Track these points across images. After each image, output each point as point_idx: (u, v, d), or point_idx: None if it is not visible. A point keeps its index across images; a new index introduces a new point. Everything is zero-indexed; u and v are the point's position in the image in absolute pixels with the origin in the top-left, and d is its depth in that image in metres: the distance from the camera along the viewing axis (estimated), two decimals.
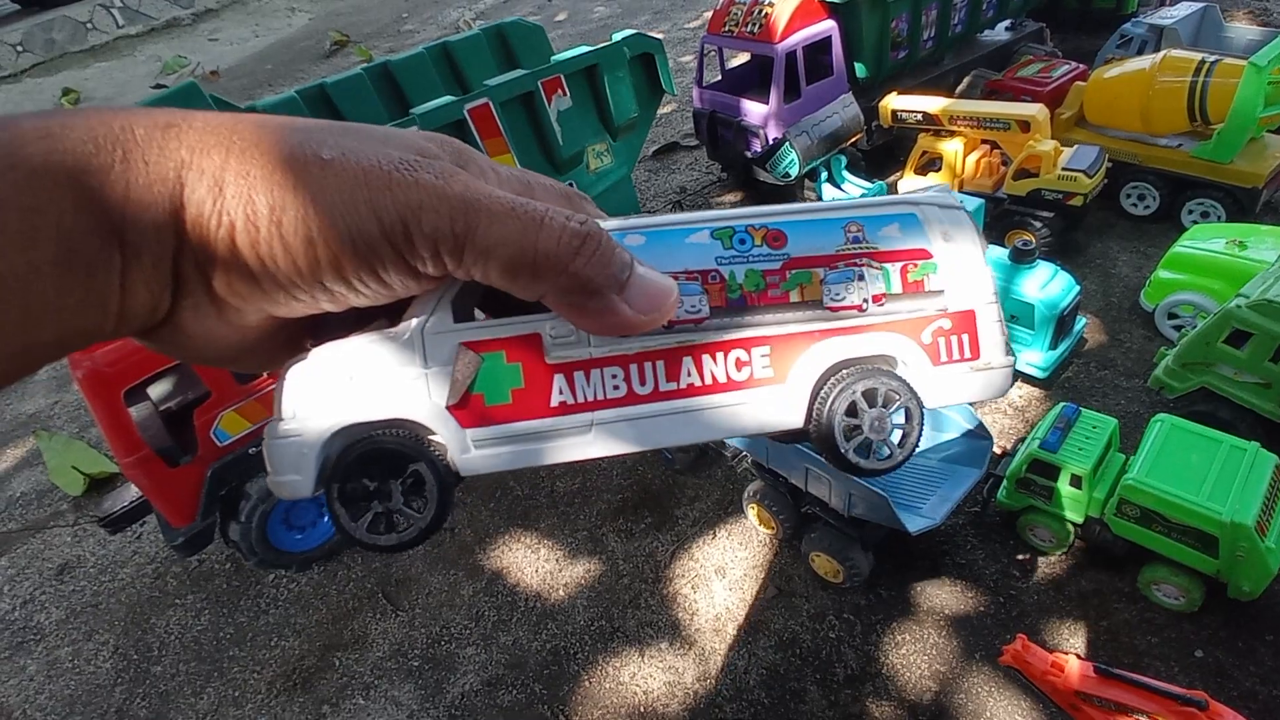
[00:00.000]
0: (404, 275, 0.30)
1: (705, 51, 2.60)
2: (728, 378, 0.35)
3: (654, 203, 2.95)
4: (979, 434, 1.44)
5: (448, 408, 0.34)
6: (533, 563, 1.72)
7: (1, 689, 1.71)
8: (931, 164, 2.37)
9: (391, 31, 5.53)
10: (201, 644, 1.72)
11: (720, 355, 0.35)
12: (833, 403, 0.36)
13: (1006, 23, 3.05)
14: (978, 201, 1.79)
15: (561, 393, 0.34)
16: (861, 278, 0.36)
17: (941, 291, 0.37)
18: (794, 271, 0.36)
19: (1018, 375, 1.85)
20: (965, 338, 0.38)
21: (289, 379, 0.34)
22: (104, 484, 2.20)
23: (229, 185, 0.27)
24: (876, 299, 0.36)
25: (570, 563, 1.71)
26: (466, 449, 0.34)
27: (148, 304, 0.28)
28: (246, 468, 1.63)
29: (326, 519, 1.78)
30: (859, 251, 0.36)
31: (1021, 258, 1.77)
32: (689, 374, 0.35)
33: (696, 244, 0.35)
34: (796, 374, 0.36)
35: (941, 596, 1.52)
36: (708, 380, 0.35)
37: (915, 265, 0.37)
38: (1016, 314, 1.81)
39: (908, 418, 0.37)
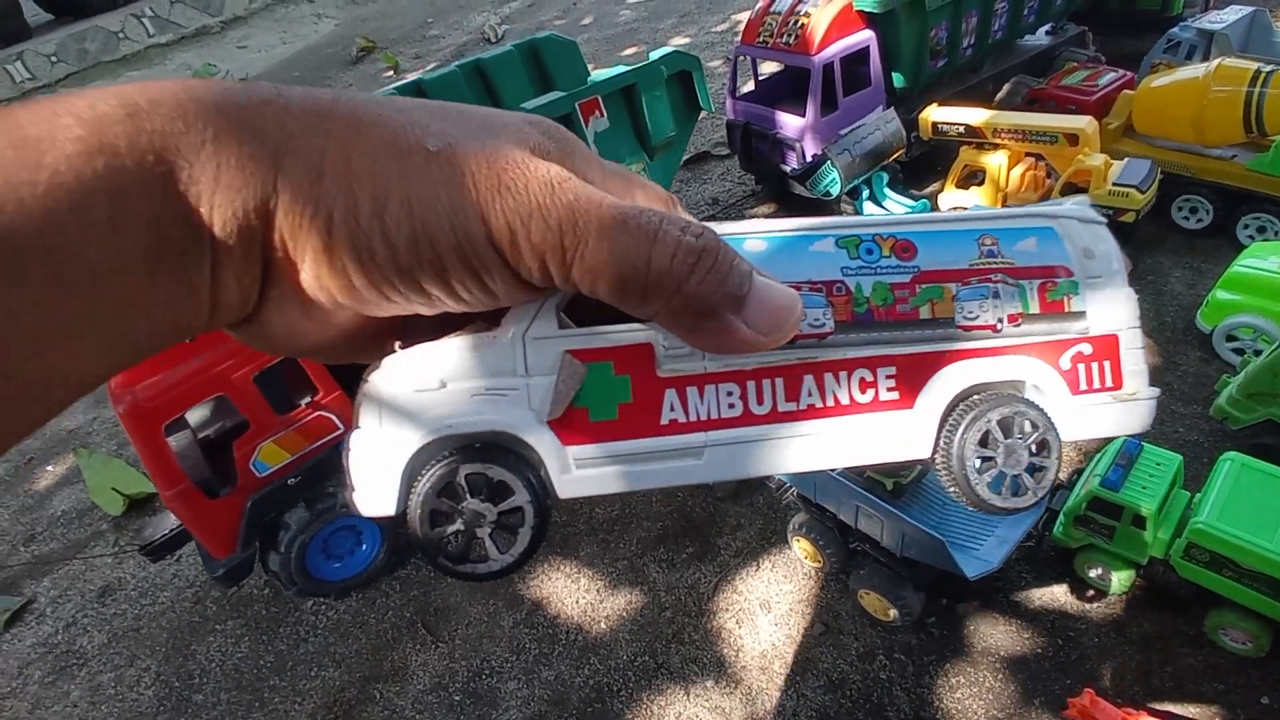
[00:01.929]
0: (509, 284, 0.27)
1: (738, 62, 2.56)
2: (851, 400, 0.33)
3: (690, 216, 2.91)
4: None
5: (549, 422, 0.31)
6: (573, 593, 1.70)
7: (47, 715, 1.73)
8: (973, 177, 2.31)
9: (417, 37, 5.53)
10: (242, 672, 1.71)
11: (844, 375, 0.32)
12: (964, 432, 0.33)
13: (1046, 27, 2.96)
14: None
15: (673, 409, 0.32)
16: (997, 295, 0.33)
17: (1083, 313, 0.34)
18: (925, 286, 0.33)
19: None
20: (1107, 365, 0.35)
21: (374, 385, 0.31)
22: (143, 504, 2.22)
23: (328, 172, 0.25)
24: (1012, 319, 0.33)
25: (611, 593, 1.68)
26: (567, 468, 0.31)
27: (238, 296, 0.26)
28: (285, 499, 1.62)
29: (365, 547, 1.77)
30: (994, 266, 0.34)
31: None
32: (810, 394, 0.32)
33: (821, 252, 0.33)
34: (925, 399, 0.33)
35: (996, 636, 1.47)
36: (829, 402, 0.32)
37: (1054, 284, 0.34)
38: None
39: (1046, 451, 0.34)
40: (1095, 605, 1.50)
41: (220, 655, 1.76)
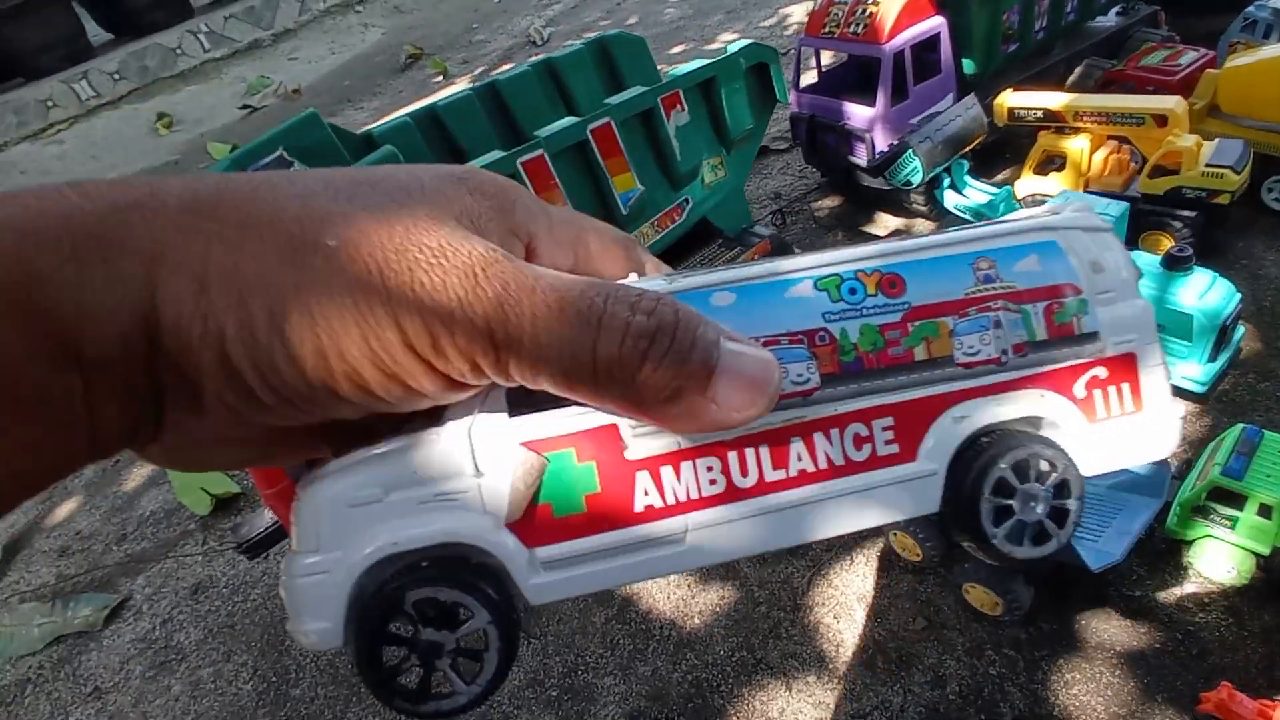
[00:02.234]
0: (440, 386, 0.25)
1: (803, 54, 2.54)
2: (846, 459, 0.29)
3: (751, 209, 2.89)
4: (1155, 460, 1.34)
5: (508, 525, 0.28)
6: (663, 588, 1.69)
7: (150, 708, 1.77)
8: (1050, 162, 2.25)
9: (463, 42, 5.59)
10: (338, 667, 1.74)
11: (835, 433, 0.29)
12: (975, 480, 0.30)
13: (1117, 8, 2.88)
14: (1122, 206, 1.68)
15: (647, 494, 0.28)
16: (998, 324, 0.30)
17: (1095, 334, 0.31)
18: (917, 324, 0.30)
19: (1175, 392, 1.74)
20: (1126, 387, 0.32)
21: (306, 502, 0.28)
22: (228, 504, 2.27)
23: (214, 283, 0.22)
24: (1018, 349, 0.30)
25: (703, 589, 1.67)
26: (535, 572, 0.28)
27: (123, 425, 0.23)
28: None
29: None
30: (993, 293, 0.30)
31: (1176, 265, 1.65)
32: (799, 459, 0.29)
33: (798, 298, 0.29)
34: (928, 448, 0.30)
35: (1111, 631, 1.43)
36: (822, 465, 0.29)
37: (1061, 305, 0.31)
38: (1169, 325, 1.69)
39: (1066, 492, 0.31)
40: (1212, 598, 1.45)
41: (314, 651, 1.79)
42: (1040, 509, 0.31)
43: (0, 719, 1.84)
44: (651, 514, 0.28)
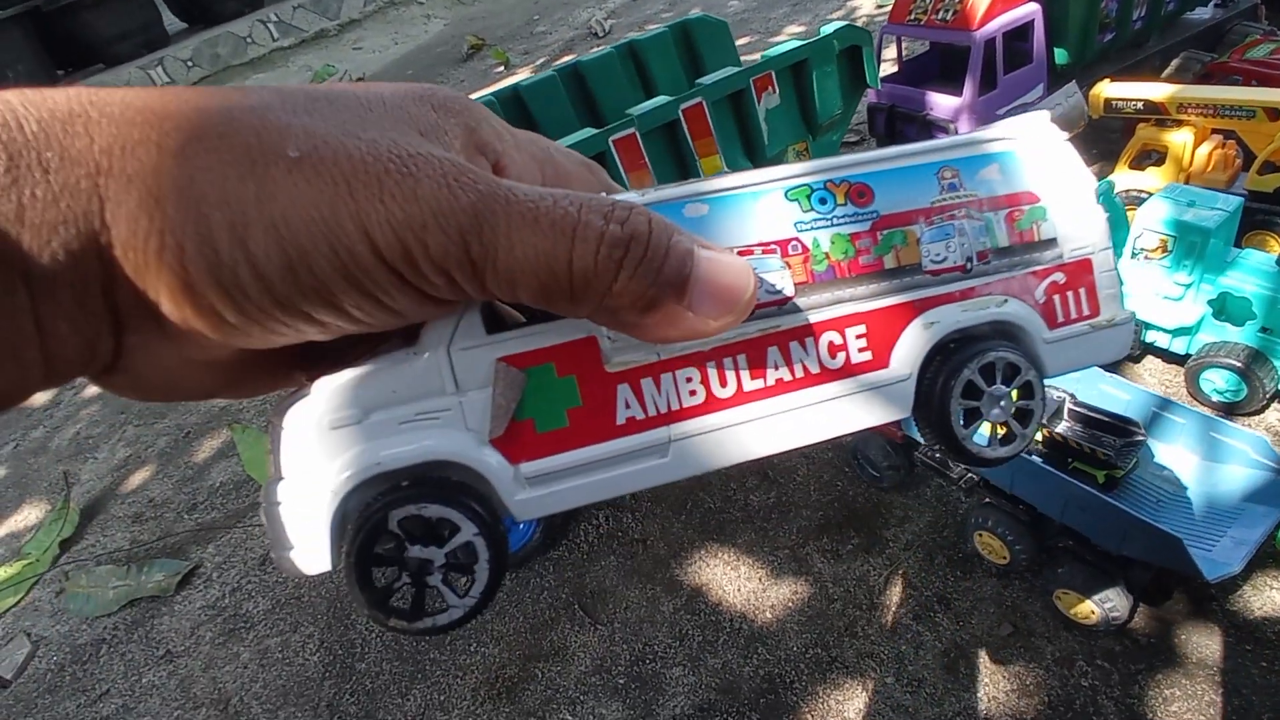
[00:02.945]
0: (413, 301, 0.24)
1: (885, 43, 2.47)
2: (821, 367, 0.30)
3: None
4: (1275, 467, 1.27)
5: (491, 440, 0.28)
6: (733, 580, 1.66)
7: (219, 674, 1.80)
8: (1148, 156, 2.15)
9: (524, 33, 5.62)
10: (401, 644, 1.74)
11: (810, 341, 0.30)
12: (945, 384, 0.31)
13: (1216, 0, 2.75)
14: (1237, 201, 1.59)
15: (629, 406, 0.29)
16: (963, 232, 0.31)
17: (1053, 240, 0.32)
18: (885, 232, 0.30)
19: (1277, 395, 1.64)
20: (1083, 292, 0.33)
21: (287, 426, 0.27)
22: None
23: (168, 196, 0.20)
24: (982, 256, 0.31)
25: (774, 583, 1.63)
26: (520, 488, 0.28)
27: (80, 350, 0.22)
28: None
29: (521, 526, 1.77)
30: (958, 201, 0.31)
31: None
32: (776, 367, 0.30)
33: (770, 208, 0.29)
34: (900, 354, 0.31)
35: (1212, 647, 1.35)
36: (799, 373, 0.30)
37: (1022, 212, 0.32)
38: (1277, 327, 1.60)
39: (1030, 393, 0.32)
40: None
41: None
42: (1007, 410, 0.32)
43: (78, 676, 1.89)
44: (634, 425, 0.29)
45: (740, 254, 0.28)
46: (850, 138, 3.07)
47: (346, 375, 0.27)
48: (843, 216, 0.30)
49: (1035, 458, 1.33)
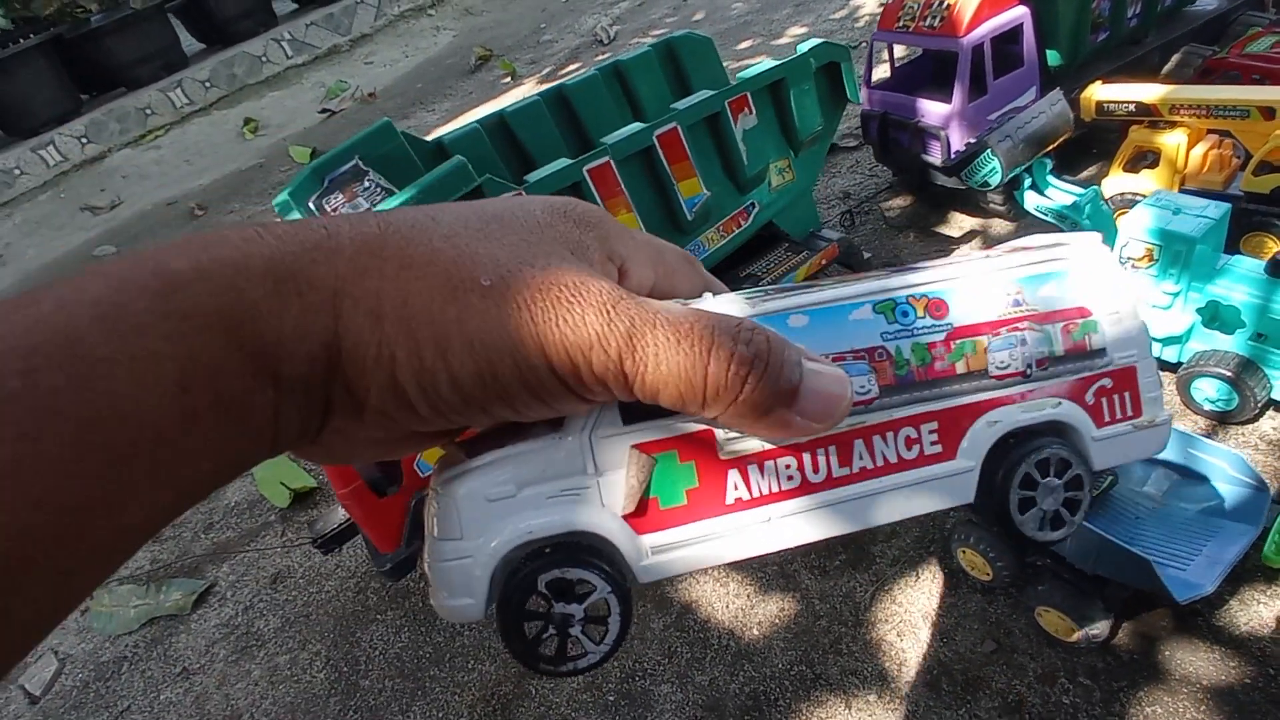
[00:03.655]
0: (571, 403, 0.29)
1: (875, 50, 2.46)
2: (899, 458, 0.34)
3: (819, 210, 2.84)
4: (1251, 484, 1.26)
5: (623, 515, 0.32)
6: (722, 598, 1.68)
7: (232, 691, 1.87)
8: (1142, 159, 2.13)
9: (531, 43, 5.66)
10: (404, 661, 1.80)
11: (890, 435, 0.34)
12: (1005, 475, 0.35)
13: None
14: (1223, 208, 1.57)
15: (736, 489, 0.33)
16: (1024, 342, 0.35)
17: (1103, 349, 0.36)
18: (959, 341, 0.35)
19: (1270, 404, 1.62)
20: (1127, 395, 0.37)
21: (455, 495, 0.32)
22: (304, 498, 2.37)
23: (387, 316, 0.26)
24: (1040, 364, 0.35)
25: (762, 599, 1.65)
26: (644, 556, 0.33)
27: (299, 430, 0.27)
28: None
29: None
30: (1021, 315, 0.35)
31: None
32: (860, 457, 0.34)
33: (861, 320, 0.34)
34: (966, 448, 0.35)
35: (1195, 663, 1.34)
36: (879, 462, 0.34)
37: (1076, 324, 0.36)
38: (1271, 334, 1.58)
39: (1079, 485, 0.36)
40: None
41: (383, 644, 1.86)
42: (1058, 500, 0.36)
43: (101, 693, 1.97)
44: (740, 505, 0.33)
45: (835, 360, 0.33)
46: (849, 142, 3.06)
47: (502, 455, 0.32)
48: (922, 328, 0.34)
49: None
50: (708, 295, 0.36)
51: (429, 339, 0.26)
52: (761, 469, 0.33)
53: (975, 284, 0.35)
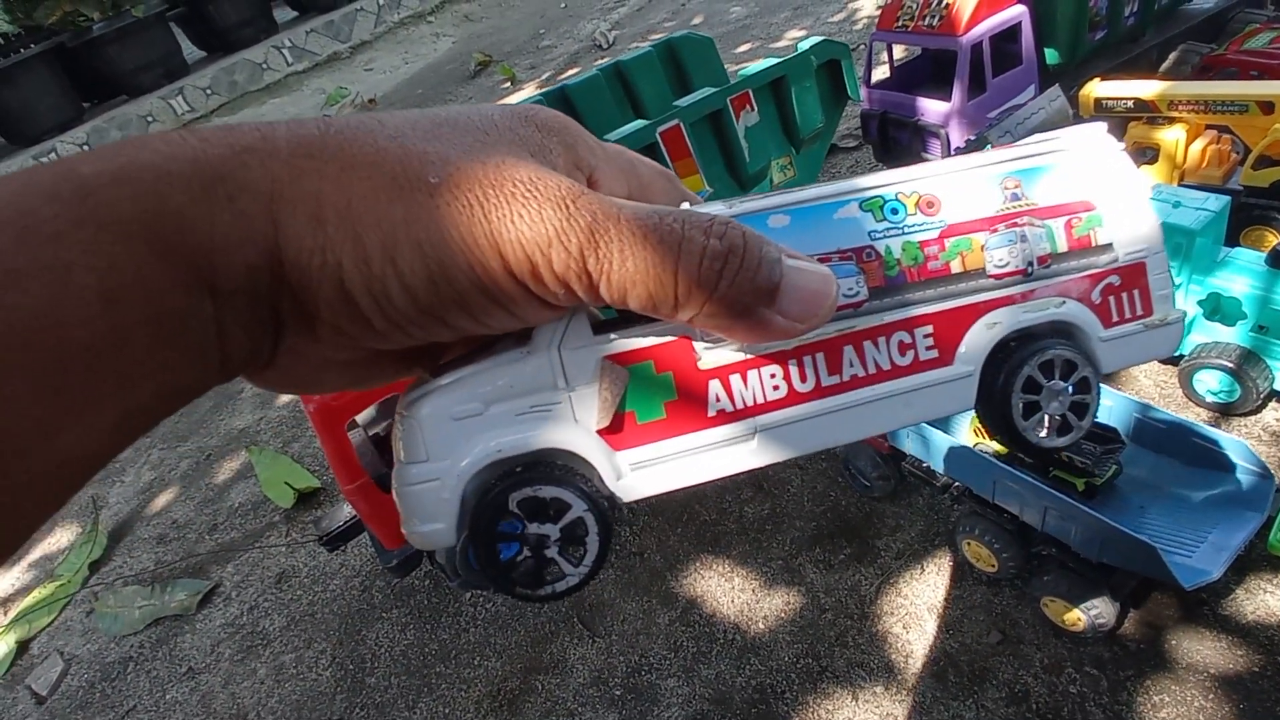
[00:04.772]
0: (534, 309, 0.27)
1: (875, 50, 2.48)
2: (892, 364, 0.33)
3: None
4: (1256, 471, 1.26)
5: (597, 431, 0.31)
6: (727, 592, 1.68)
7: (238, 690, 1.87)
8: (1141, 155, 2.14)
9: (530, 48, 5.68)
10: (410, 658, 1.80)
11: (882, 340, 0.32)
12: (1006, 379, 0.33)
13: None
14: (1222, 200, 1.58)
15: (719, 400, 0.31)
16: (1024, 238, 0.33)
17: (1109, 245, 0.34)
18: (953, 240, 0.33)
19: (1272, 395, 1.63)
20: (1136, 293, 0.35)
21: (418, 416, 0.30)
22: (309, 498, 2.37)
23: (330, 219, 0.24)
24: (1042, 261, 0.33)
25: (767, 593, 1.65)
26: (622, 474, 0.31)
27: (248, 350, 0.26)
28: None
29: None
30: (1020, 210, 0.33)
31: None
32: (851, 365, 0.32)
33: (846, 219, 0.32)
34: (964, 352, 0.33)
35: (1203, 652, 1.34)
36: (871, 370, 0.32)
37: (1080, 219, 0.34)
38: (1272, 326, 1.58)
39: (1086, 388, 0.34)
40: None
41: (389, 641, 1.86)
42: (1065, 404, 0.35)
43: (107, 694, 1.97)
44: (723, 417, 0.31)
45: (820, 261, 0.30)
46: (849, 142, 3.07)
47: (467, 372, 0.30)
48: (913, 226, 0.32)
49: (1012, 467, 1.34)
50: (685, 204, 0.34)
51: (376, 242, 0.24)
52: (745, 379, 0.31)
53: (970, 179, 0.33)
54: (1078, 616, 1.34)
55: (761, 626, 1.60)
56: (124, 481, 2.72)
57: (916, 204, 0.33)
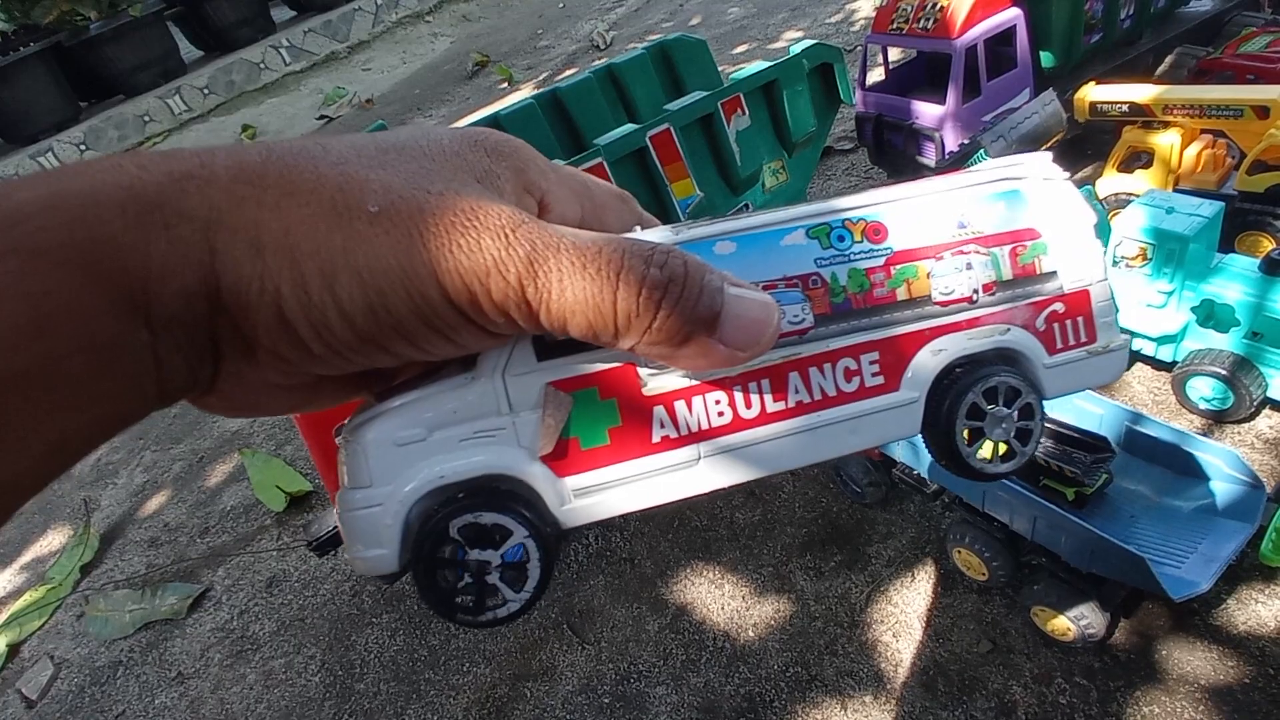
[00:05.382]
0: (475, 336, 0.27)
1: (869, 52, 2.47)
2: (838, 390, 0.33)
3: None
4: (1247, 481, 1.25)
5: (540, 457, 0.30)
6: (717, 599, 1.68)
7: (227, 695, 1.86)
8: (1136, 159, 2.13)
9: (528, 49, 5.67)
10: (399, 664, 1.79)
11: (828, 366, 0.32)
12: (951, 405, 0.34)
13: None
14: (1216, 206, 1.57)
15: (663, 426, 0.31)
16: (970, 266, 0.33)
17: (1054, 273, 0.35)
18: (899, 267, 0.33)
19: (1266, 402, 1.62)
20: (1080, 320, 0.35)
21: (362, 441, 0.30)
22: (300, 501, 2.36)
23: (268, 247, 0.24)
24: (987, 288, 0.34)
25: (757, 601, 1.65)
26: (566, 500, 0.31)
27: (187, 378, 0.25)
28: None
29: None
30: (966, 238, 0.33)
31: (1276, 269, 1.53)
32: (797, 390, 0.32)
33: (793, 245, 0.32)
34: (910, 378, 0.33)
35: (1193, 663, 1.34)
36: (816, 396, 0.32)
37: (1025, 247, 0.34)
38: (1267, 333, 1.57)
39: (1030, 414, 0.35)
40: None
41: (378, 647, 1.85)
42: (1009, 431, 0.35)
43: (96, 698, 1.97)
44: (667, 443, 0.31)
45: (766, 288, 0.31)
46: (845, 145, 3.07)
47: (412, 397, 0.30)
48: (860, 253, 0.32)
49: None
50: (636, 229, 0.34)
51: (314, 270, 0.24)
52: (690, 405, 0.31)
53: (917, 206, 0.33)
54: (1068, 626, 1.33)
55: (751, 634, 1.59)
56: (116, 484, 2.71)
57: (863, 231, 0.32)
